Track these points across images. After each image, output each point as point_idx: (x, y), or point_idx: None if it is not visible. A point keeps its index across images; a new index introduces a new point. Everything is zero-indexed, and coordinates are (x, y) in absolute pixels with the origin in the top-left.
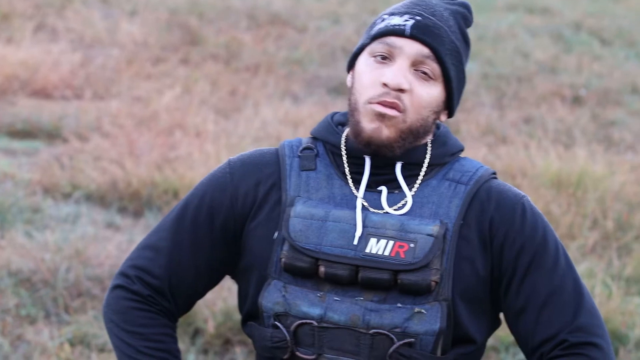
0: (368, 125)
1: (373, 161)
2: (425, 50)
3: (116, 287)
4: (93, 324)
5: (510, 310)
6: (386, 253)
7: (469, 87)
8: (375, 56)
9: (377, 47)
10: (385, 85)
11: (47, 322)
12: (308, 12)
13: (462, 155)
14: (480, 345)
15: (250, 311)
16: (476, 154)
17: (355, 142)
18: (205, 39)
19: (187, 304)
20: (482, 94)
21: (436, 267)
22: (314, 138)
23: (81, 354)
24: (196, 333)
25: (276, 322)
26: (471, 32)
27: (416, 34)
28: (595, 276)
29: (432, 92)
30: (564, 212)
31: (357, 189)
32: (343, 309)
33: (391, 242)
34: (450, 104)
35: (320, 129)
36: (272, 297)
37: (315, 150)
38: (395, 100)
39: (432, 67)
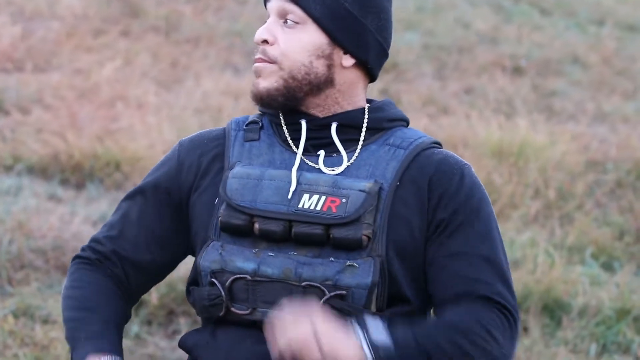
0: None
1: (309, 124)
2: (285, 3)
3: (73, 259)
4: (36, 295)
5: (429, 264)
6: (318, 208)
7: (409, 57)
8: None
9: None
10: (257, 44)
11: None
12: None
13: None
14: (417, 307)
15: (193, 277)
16: (417, 124)
17: None
18: (145, 11)
19: (142, 279)
20: (423, 64)
21: (368, 222)
22: (261, 113)
23: (25, 325)
24: (140, 304)
25: (212, 280)
26: (411, 2)
27: None
28: (538, 245)
29: (301, 37)
30: (505, 182)
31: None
32: (276, 262)
33: (323, 197)
34: (342, 45)
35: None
36: (210, 257)
37: (260, 123)
38: (261, 55)
39: (294, 12)
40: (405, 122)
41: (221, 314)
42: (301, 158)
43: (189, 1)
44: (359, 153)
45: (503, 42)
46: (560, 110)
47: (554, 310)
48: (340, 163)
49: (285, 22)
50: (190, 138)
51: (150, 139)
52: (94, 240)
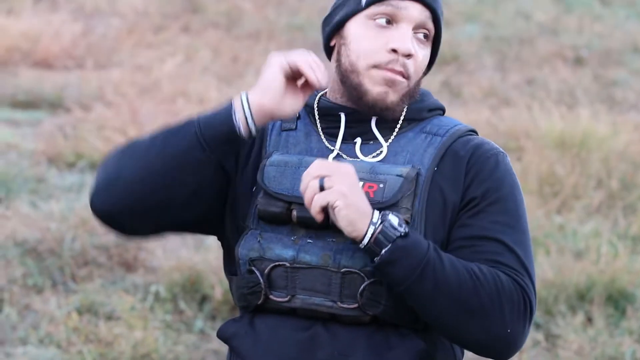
0: (373, 88)
1: (348, 117)
2: (426, 12)
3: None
4: (100, 292)
5: (453, 242)
6: None
7: (471, 49)
8: (375, 19)
9: (379, 9)
10: (393, 51)
11: (54, 291)
12: None
13: (461, 119)
14: None
15: (230, 268)
16: (479, 116)
17: (348, 95)
18: (205, 6)
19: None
20: (484, 56)
21: (406, 206)
22: None
23: (89, 322)
24: (203, 299)
25: (251, 268)
26: None
27: None
28: (601, 236)
29: (426, 54)
30: (568, 173)
31: (334, 143)
32: (315, 250)
33: (360, 183)
34: (430, 65)
35: None
36: (248, 245)
37: (297, 113)
38: (403, 69)
39: (430, 28)
40: (442, 110)
41: (260, 301)
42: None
43: None
44: (394, 139)
45: (564, 33)
46: (622, 100)
47: (618, 301)
48: (376, 150)
49: (417, 34)
50: None
51: None
52: None
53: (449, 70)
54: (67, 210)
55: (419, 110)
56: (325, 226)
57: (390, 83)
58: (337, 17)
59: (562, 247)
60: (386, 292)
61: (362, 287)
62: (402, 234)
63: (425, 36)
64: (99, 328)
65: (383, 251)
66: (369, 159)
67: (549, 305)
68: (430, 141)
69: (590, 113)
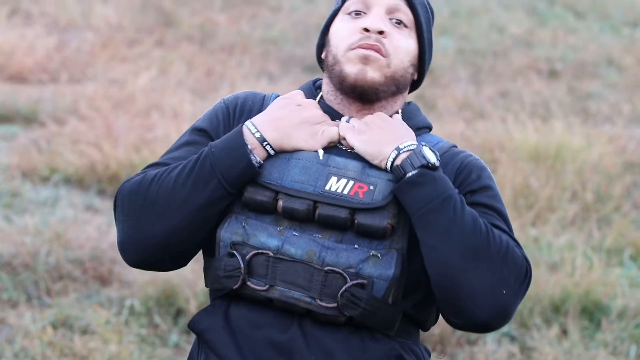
0: (352, 69)
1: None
2: None
3: (125, 181)
4: (75, 306)
5: None
6: (345, 192)
7: (445, 62)
8: (349, 13)
9: (351, 3)
10: (365, 30)
11: (29, 305)
12: None
13: (436, 132)
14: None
15: (207, 249)
16: (454, 129)
17: (339, 90)
18: (179, 20)
19: None
20: (458, 69)
21: (393, 211)
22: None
23: (64, 336)
24: (178, 313)
25: (232, 251)
26: (445, 7)
27: None
28: (576, 248)
29: (408, 41)
30: (542, 185)
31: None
32: (301, 243)
33: (351, 182)
34: (421, 64)
35: (303, 90)
36: (232, 228)
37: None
38: (377, 43)
39: (406, 13)
40: (429, 128)
41: (236, 286)
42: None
43: (223, 10)
44: None
45: (538, 46)
46: (596, 112)
47: (593, 313)
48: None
49: (391, 20)
50: (235, 95)
51: None
52: (156, 163)
53: (423, 84)
54: (41, 224)
55: (410, 127)
56: (309, 219)
57: (364, 60)
58: (326, 22)
59: (537, 259)
60: (366, 295)
61: (343, 288)
62: (431, 164)
63: (400, 22)
64: (74, 342)
65: (410, 173)
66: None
67: (524, 317)
68: None
69: (564, 125)
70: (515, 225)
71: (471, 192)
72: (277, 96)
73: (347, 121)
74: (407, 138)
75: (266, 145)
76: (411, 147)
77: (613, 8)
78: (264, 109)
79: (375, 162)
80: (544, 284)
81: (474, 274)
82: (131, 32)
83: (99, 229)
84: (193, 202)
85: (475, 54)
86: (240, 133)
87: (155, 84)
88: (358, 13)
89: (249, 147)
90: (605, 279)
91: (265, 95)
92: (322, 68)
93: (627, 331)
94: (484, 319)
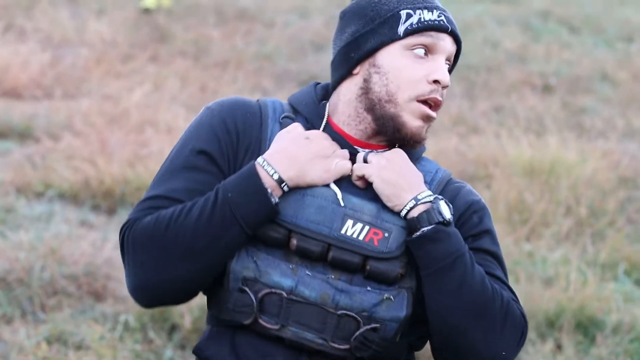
0: (413, 122)
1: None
2: (454, 45)
3: (133, 221)
4: (69, 321)
5: None
6: (361, 237)
7: None
8: (413, 49)
9: (419, 39)
10: (436, 82)
11: (23, 321)
12: (276, 6)
13: (430, 148)
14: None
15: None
16: (448, 144)
17: (375, 123)
18: (173, 36)
19: None
20: (452, 84)
21: (404, 260)
22: (294, 108)
23: (58, 351)
24: (173, 329)
25: (244, 287)
26: None
27: (454, 29)
28: (570, 263)
29: None
30: (537, 200)
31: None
32: (315, 285)
33: (367, 227)
34: None
35: (303, 102)
36: (243, 262)
37: (295, 121)
38: (441, 99)
39: (451, 60)
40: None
41: (247, 322)
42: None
43: (217, 25)
44: None
45: (532, 61)
46: (590, 127)
47: (587, 328)
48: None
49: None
50: (221, 103)
51: None
52: (161, 196)
53: None
54: (36, 240)
55: (411, 155)
56: (320, 259)
57: (427, 119)
58: (369, 45)
59: (531, 274)
60: (378, 338)
61: (357, 332)
62: (446, 221)
63: (449, 69)
64: (69, 358)
65: (426, 228)
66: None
67: None
68: None
69: (558, 140)
70: (509, 240)
71: (473, 237)
72: (273, 107)
73: (365, 157)
74: (423, 187)
75: (284, 186)
76: (429, 200)
77: (607, 23)
78: (263, 123)
79: (389, 204)
80: (538, 299)
81: (477, 334)
82: (125, 48)
83: (93, 245)
84: (214, 248)
85: (469, 69)
86: (257, 175)
87: (149, 100)
88: (424, 54)
89: (269, 190)
90: (599, 294)
91: (260, 106)
92: (338, 80)
93: (622, 346)
94: None
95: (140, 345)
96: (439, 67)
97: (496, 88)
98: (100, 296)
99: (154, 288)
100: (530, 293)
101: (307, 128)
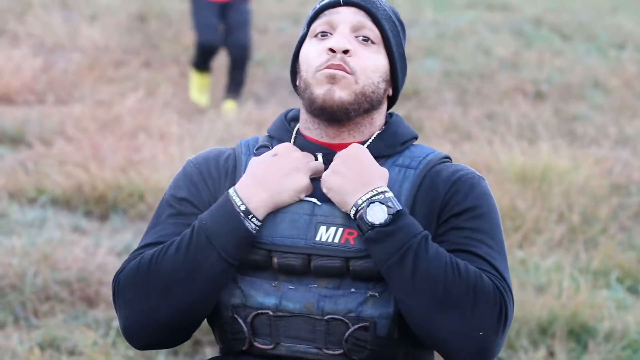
0: (319, 90)
1: (325, 158)
2: (361, 13)
3: (123, 267)
4: (62, 327)
5: None
6: (336, 240)
7: (431, 84)
8: (316, 35)
9: (317, 25)
10: (330, 50)
11: (16, 326)
12: (268, 13)
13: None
14: None
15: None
16: (440, 150)
17: (310, 114)
18: (166, 41)
19: None
20: (445, 91)
21: None
22: (270, 137)
23: (51, 357)
24: None
25: (234, 315)
26: (431, 29)
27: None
28: (563, 270)
29: (376, 57)
30: (529, 207)
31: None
32: (297, 296)
33: (340, 229)
34: (394, 78)
35: (275, 127)
36: (229, 290)
37: (270, 148)
38: (341, 63)
39: (372, 29)
40: (415, 137)
41: (244, 348)
42: (312, 184)
43: None
44: None
45: (524, 68)
46: (582, 134)
47: (580, 335)
48: None
49: (357, 38)
50: (201, 156)
51: (173, 169)
52: (148, 244)
53: (409, 105)
54: (28, 245)
55: (392, 145)
56: (306, 271)
57: (331, 79)
58: (296, 50)
59: (523, 281)
60: (371, 337)
61: (347, 334)
62: (377, 225)
63: (367, 39)
64: None
65: (367, 232)
66: None
67: (511, 340)
68: (404, 175)
69: (550, 147)
70: None
71: (455, 216)
72: (247, 144)
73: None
74: (370, 186)
75: (252, 218)
76: (363, 206)
77: (599, 30)
78: (237, 161)
79: (342, 210)
80: (530, 306)
81: (445, 322)
82: (118, 54)
83: (86, 250)
84: (196, 279)
85: (461, 76)
86: (229, 201)
87: (142, 105)
88: (324, 34)
89: (241, 214)
90: (592, 301)
91: (234, 149)
92: (299, 96)
93: (614, 353)
94: None
95: (133, 351)
96: (333, 37)
97: (488, 95)
98: (93, 302)
99: (144, 329)
100: (523, 300)
101: None
